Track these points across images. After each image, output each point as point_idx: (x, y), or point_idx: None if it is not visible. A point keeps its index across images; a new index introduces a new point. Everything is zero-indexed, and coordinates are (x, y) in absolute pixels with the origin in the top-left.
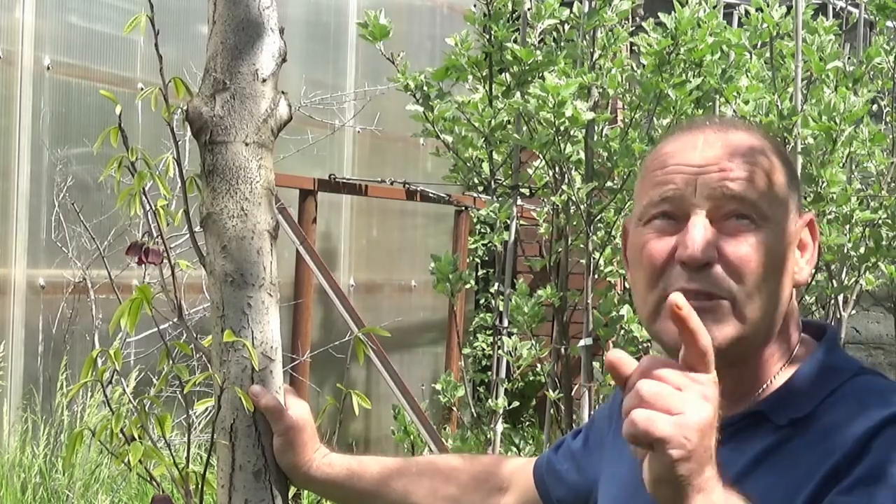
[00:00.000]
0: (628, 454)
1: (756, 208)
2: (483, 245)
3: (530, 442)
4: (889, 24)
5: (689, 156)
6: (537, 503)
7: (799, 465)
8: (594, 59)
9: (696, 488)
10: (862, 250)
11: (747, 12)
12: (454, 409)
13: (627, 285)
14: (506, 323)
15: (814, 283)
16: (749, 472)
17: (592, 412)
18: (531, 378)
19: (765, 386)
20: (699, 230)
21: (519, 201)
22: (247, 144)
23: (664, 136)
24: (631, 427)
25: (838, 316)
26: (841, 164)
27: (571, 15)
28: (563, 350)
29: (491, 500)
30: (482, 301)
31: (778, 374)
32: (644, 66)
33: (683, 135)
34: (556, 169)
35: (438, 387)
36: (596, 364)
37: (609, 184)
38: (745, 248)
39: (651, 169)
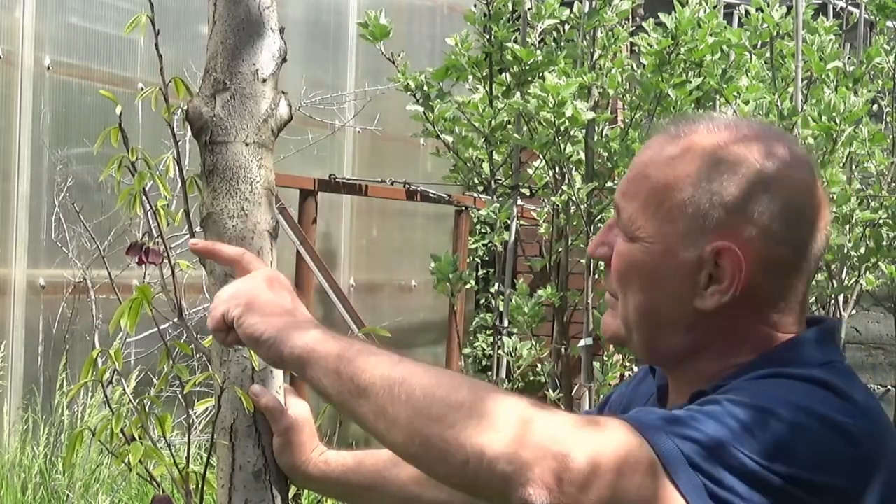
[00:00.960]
0: None
1: (629, 223)
2: (483, 245)
3: None
4: (889, 23)
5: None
6: None
7: None
8: (594, 59)
9: (279, 337)
10: (862, 250)
11: (747, 12)
12: None
13: None
14: (506, 323)
15: (814, 282)
16: None
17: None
18: (531, 378)
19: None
20: (601, 231)
21: (519, 201)
22: (247, 144)
23: None
24: (209, 324)
25: (838, 316)
26: (841, 164)
27: (571, 15)
28: (563, 350)
29: None
30: (482, 301)
31: (740, 368)
32: (644, 66)
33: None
34: (557, 169)
35: None
36: (596, 364)
37: (609, 184)
38: (615, 258)
39: None
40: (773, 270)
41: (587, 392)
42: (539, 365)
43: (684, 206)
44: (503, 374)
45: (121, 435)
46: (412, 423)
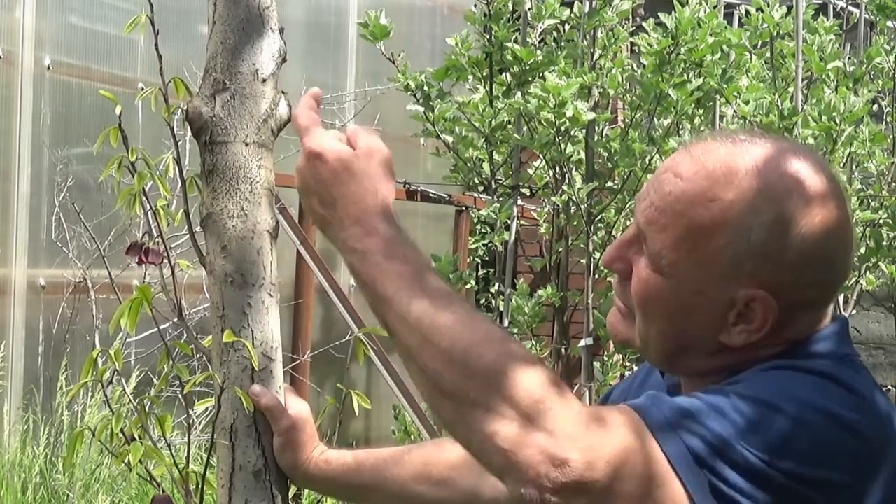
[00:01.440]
0: None
1: (658, 256)
2: (483, 245)
3: None
4: (889, 23)
5: (657, 172)
6: None
7: None
8: (595, 59)
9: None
10: (862, 250)
11: (748, 12)
12: None
13: None
14: (506, 323)
15: None
16: None
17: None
18: None
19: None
20: (616, 243)
21: (519, 201)
22: (247, 144)
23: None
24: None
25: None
26: (841, 164)
27: (572, 15)
28: (563, 350)
29: (487, 478)
30: (482, 301)
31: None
32: (644, 66)
33: (697, 144)
34: (557, 169)
35: None
36: (596, 364)
37: (610, 184)
38: (637, 282)
39: None
40: (803, 310)
41: (587, 392)
42: None
43: (722, 252)
44: None
45: (121, 435)
46: (441, 372)
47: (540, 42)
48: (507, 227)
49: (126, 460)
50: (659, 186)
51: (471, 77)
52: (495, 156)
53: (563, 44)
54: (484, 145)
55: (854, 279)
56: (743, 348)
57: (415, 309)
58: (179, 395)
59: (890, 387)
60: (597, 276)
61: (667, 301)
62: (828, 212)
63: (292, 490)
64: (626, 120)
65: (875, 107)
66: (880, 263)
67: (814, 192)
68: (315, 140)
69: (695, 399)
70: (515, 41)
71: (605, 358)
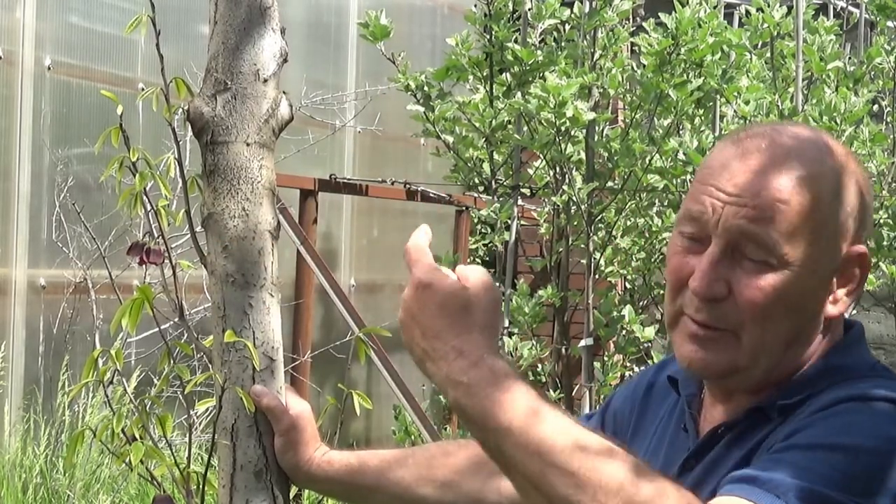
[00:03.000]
0: (647, 447)
1: (773, 251)
2: (484, 245)
3: None
4: (890, 23)
5: (723, 178)
6: None
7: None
8: (595, 60)
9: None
10: None
11: (748, 12)
12: None
13: (628, 285)
14: (507, 323)
15: None
16: (741, 465)
17: (595, 406)
18: (532, 378)
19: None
20: (708, 266)
21: (519, 201)
22: (248, 144)
23: (732, 133)
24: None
25: None
26: None
27: (572, 15)
28: (563, 350)
29: (492, 482)
30: None
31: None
32: (645, 66)
33: (733, 146)
34: (557, 169)
35: None
36: (597, 364)
37: (610, 184)
38: (754, 291)
39: (698, 177)
40: (869, 266)
41: (588, 392)
42: (540, 365)
43: (826, 225)
44: None
45: (122, 435)
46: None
47: (540, 42)
48: (508, 228)
49: (127, 460)
50: (746, 183)
51: (471, 77)
52: (495, 156)
53: (563, 44)
54: (484, 145)
55: None
56: (793, 358)
57: (537, 436)
58: (180, 396)
59: None
60: (597, 277)
61: (789, 294)
62: (863, 170)
63: (293, 490)
64: (627, 120)
65: (875, 107)
66: (881, 263)
67: (848, 153)
68: (424, 270)
69: (771, 463)
70: (516, 41)
71: (606, 358)
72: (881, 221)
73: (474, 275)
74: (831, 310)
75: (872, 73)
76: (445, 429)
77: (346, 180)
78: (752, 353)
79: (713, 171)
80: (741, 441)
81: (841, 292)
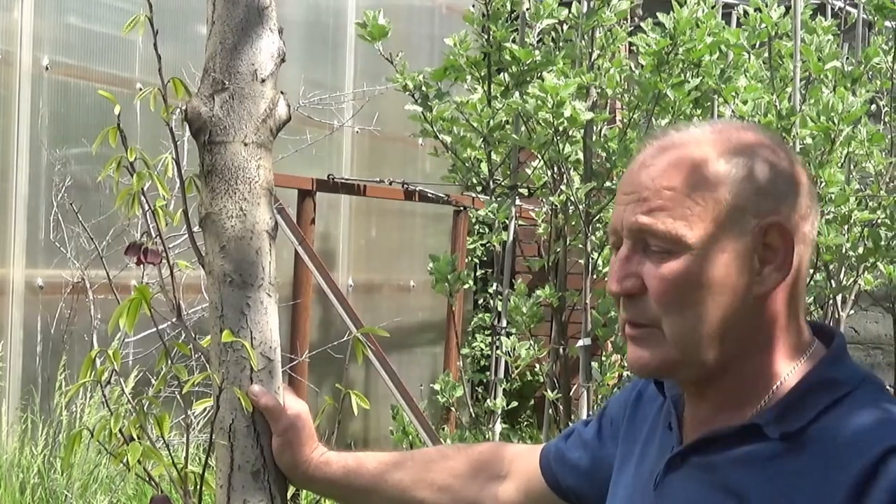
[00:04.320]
0: (638, 452)
1: (669, 239)
2: (482, 245)
3: (528, 442)
4: (887, 24)
5: (627, 183)
6: (540, 490)
7: (800, 486)
8: (593, 60)
9: None
10: (860, 250)
11: (746, 12)
12: (453, 409)
13: None
14: (504, 323)
15: (812, 283)
16: (744, 482)
17: (592, 411)
18: (529, 378)
19: (771, 392)
20: (617, 265)
21: (517, 201)
22: (245, 145)
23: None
24: None
25: (837, 316)
26: (839, 165)
27: (570, 15)
28: (561, 350)
29: (490, 487)
30: (481, 301)
31: (787, 378)
32: (642, 66)
33: (641, 151)
34: (555, 169)
35: (437, 387)
36: (595, 364)
37: (608, 184)
38: (658, 280)
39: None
40: (805, 243)
41: (586, 392)
42: (537, 365)
43: (723, 201)
44: (501, 374)
45: (119, 435)
46: None
47: (538, 42)
48: (506, 228)
49: (124, 460)
50: (638, 181)
51: (469, 77)
52: (493, 156)
53: (561, 44)
54: (482, 145)
55: (852, 279)
56: (777, 319)
57: None
58: (178, 396)
59: (889, 386)
60: (594, 277)
61: (696, 277)
62: (785, 152)
63: (291, 490)
64: (625, 120)
65: (873, 107)
66: (878, 263)
67: (768, 136)
68: None
69: None
70: (513, 41)
71: (603, 358)
72: (879, 221)
73: None
74: (758, 289)
75: (870, 73)
76: (443, 429)
77: (343, 180)
78: (677, 343)
79: (625, 178)
80: (740, 459)
81: (767, 269)
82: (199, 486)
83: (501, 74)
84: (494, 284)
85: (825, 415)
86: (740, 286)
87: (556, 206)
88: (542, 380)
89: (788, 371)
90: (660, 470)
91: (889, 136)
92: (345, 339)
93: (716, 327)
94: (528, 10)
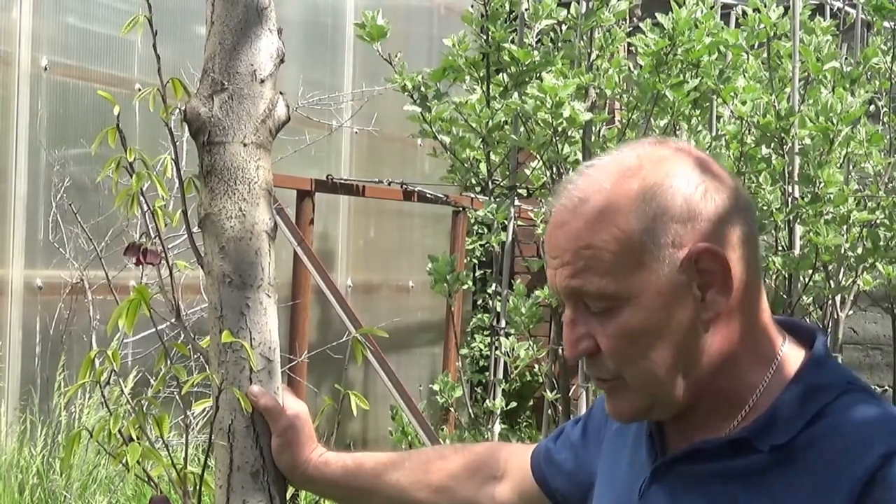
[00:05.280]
0: (627, 453)
1: (604, 296)
2: (480, 246)
3: (528, 442)
4: (886, 24)
5: (549, 245)
6: (532, 491)
7: (795, 499)
8: (591, 60)
9: None
10: (859, 251)
11: (744, 13)
12: (452, 409)
13: None
14: (503, 323)
15: (811, 283)
16: (735, 496)
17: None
18: (529, 379)
19: (750, 403)
20: (567, 330)
21: (516, 202)
22: (245, 145)
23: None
24: None
25: (836, 316)
26: (838, 165)
27: (569, 15)
28: (560, 351)
29: (486, 488)
30: (480, 302)
31: (763, 386)
32: (641, 66)
33: (554, 213)
34: (554, 169)
35: (436, 387)
36: None
37: None
38: (609, 340)
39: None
40: (739, 252)
41: (584, 392)
42: (536, 365)
43: (643, 245)
44: (501, 374)
45: (118, 435)
46: None
47: (537, 43)
48: (505, 228)
49: (124, 461)
50: (559, 244)
51: (468, 77)
52: (492, 156)
53: (560, 44)
54: (481, 146)
55: (851, 279)
56: (737, 335)
57: None
58: (177, 396)
59: (887, 387)
60: None
61: (642, 326)
62: (692, 162)
63: (290, 490)
64: (623, 120)
65: (872, 107)
66: (877, 264)
67: (671, 154)
68: None
69: None
70: (512, 42)
71: None
72: (878, 221)
73: None
74: (706, 315)
75: (869, 73)
76: (442, 429)
77: (342, 181)
78: (644, 391)
79: (546, 243)
80: (730, 473)
81: (710, 294)
82: (198, 487)
83: (500, 75)
84: (493, 285)
85: (814, 424)
86: (687, 320)
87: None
88: (541, 380)
89: (763, 378)
90: (645, 479)
91: (888, 137)
92: (344, 339)
93: (675, 366)
94: (526, 10)
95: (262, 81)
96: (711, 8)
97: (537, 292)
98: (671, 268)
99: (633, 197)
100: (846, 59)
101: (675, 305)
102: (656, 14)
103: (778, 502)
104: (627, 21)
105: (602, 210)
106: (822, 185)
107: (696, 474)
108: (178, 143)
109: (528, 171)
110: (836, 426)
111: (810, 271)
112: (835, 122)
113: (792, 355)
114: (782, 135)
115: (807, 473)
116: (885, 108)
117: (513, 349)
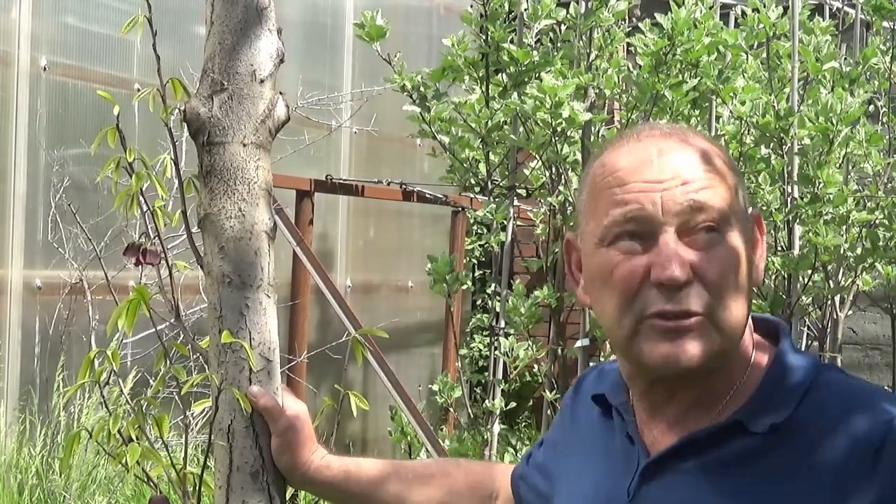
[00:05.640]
0: (594, 465)
1: (722, 216)
2: (480, 246)
3: (527, 443)
4: (885, 24)
5: (647, 171)
6: None
7: (802, 475)
8: (591, 60)
9: None
10: (859, 251)
11: (744, 13)
12: (451, 409)
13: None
14: (502, 324)
15: (811, 283)
16: (733, 482)
17: None
18: (528, 379)
19: (732, 392)
20: (673, 250)
21: (515, 202)
22: (244, 145)
23: (610, 143)
24: None
25: (835, 317)
26: (837, 165)
27: (568, 15)
28: (559, 351)
29: None
30: (479, 302)
31: (744, 378)
32: (640, 66)
33: (633, 147)
34: (553, 170)
35: (435, 387)
36: (593, 365)
37: None
38: (719, 263)
39: (605, 187)
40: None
41: None
42: (536, 366)
43: (735, 187)
44: (500, 374)
45: (118, 436)
46: None
47: (536, 43)
48: (504, 228)
49: (123, 461)
50: (669, 167)
51: (467, 78)
52: (491, 156)
53: (559, 44)
54: (480, 146)
55: (850, 280)
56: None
57: None
58: (177, 396)
59: (886, 387)
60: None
61: (740, 258)
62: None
63: (290, 491)
64: (623, 120)
65: (871, 107)
66: (876, 264)
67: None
68: None
69: None
70: (512, 42)
71: (601, 358)
72: (877, 222)
73: None
74: (755, 277)
75: (868, 73)
76: (442, 429)
77: (342, 181)
78: (729, 331)
79: (628, 172)
80: (729, 459)
81: (756, 258)
82: (197, 487)
83: (499, 75)
84: (493, 285)
85: (804, 401)
86: (751, 273)
87: (554, 206)
88: (540, 380)
89: (744, 370)
90: (632, 481)
91: (887, 137)
92: (343, 339)
93: (747, 313)
94: (526, 10)
95: (262, 81)
96: (710, 8)
97: (536, 292)
98: (746, 217)
99: (715, 149)
100: (845, 59)
101: (749, 252)
102: (655, 14)
103: (781, 482)
104: (626, 21)
105: (702, 148)
106: (822, 185)
107: (689, 467)
108: (177, 144)
109: (527, 172)
110: (827, 401)
111: (809, 271)
112: (834, 122)
113: (761, 347)
114: (781, 135)
115: (809, 449)
116: (884, 109)
117: (512, 349)
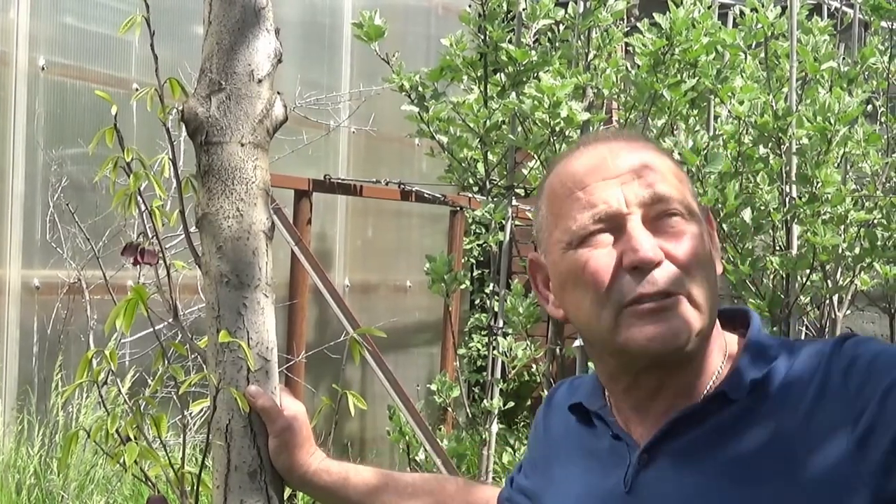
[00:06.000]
0: (582, 474)
1: (682, 205)
2: (478, 245)
3: (525, 443)
4: (884, 24)
5: (604, 169)
6: None
7: (786, 430)
8: (589, 60)
9: None
10: (857, 251)
11: (742, 12)
12: (449, 409)
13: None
14: (501, 323)
15: (809, 283)
16: (728, 448)
17: None
18: (526, 378)
19: (714, 378)
20: (642, 233)
21: (514, 202)
22: (242, 145)
23: (560, 158)
24: None
25: (833, 316)
26: (836, 165)
27: (566, 15)
28: (558, 350)
29: None
30: (477, 301)
31: (723, 363)
32: (639, 66)
33: (585, 152)
34: None
35: (433, 387)
36: (591, 364)
37: None
38: (686, 243)
39: (566, 193)
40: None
41: None
42: (534, 365)
43: (687, 182)
44: (498, 374)
45: (116, 436)
46: None
47: (534, 42)
48: (502, 228)
49: (121, 461)
50: (626, 164)
51: (465, 77)
52: (490, 156)
53: (557, 44)
54: (478, 146)
55: (849, 279)
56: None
57: None
58: (175, 396)
59: None
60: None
61: (704, 242)
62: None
63: (287, 491)
64: (621, 120)
65: (869, 107)
66: (875, 264)
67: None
68: None
69: None
70: (510, 41)
71: None
72: (875, 221)
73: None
74: (717, 262)
75: (867, 73)
76: (440, 429)
77: (340, 181)
78: (704, 307)
79: (588, 173)
80: (717, 429)
81: (714, 250)
82: (195, 487)
83: (498, 75)
84: (491, 285)
85: (776, 362)
86: (715, 260)
87: None
88: (538, 380)
89: (721, 357)
90: (627, 473)
91: (885, 137)
92: (341, 339)
93: (716, 294)
94: (524, 10)
95: (260, 81)
96: (709, 8)
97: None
98: (699, 210)
99: (662, 148)
100: (844, 58)
101: (708, 239)
102: (654, 14)
103: (772, 440)
104: (625, 21)
105: (649, 148)
106: (820, 184)
107: (682, 445)
108: (175, 143)
109: (525, 171)
110: (796, 358)
111: (808, 271)
112: (832, 121)
113: (734, 333)
114: (780, 134)
115: (788, 398)
116: (882, 108)
117: (510, 349)
